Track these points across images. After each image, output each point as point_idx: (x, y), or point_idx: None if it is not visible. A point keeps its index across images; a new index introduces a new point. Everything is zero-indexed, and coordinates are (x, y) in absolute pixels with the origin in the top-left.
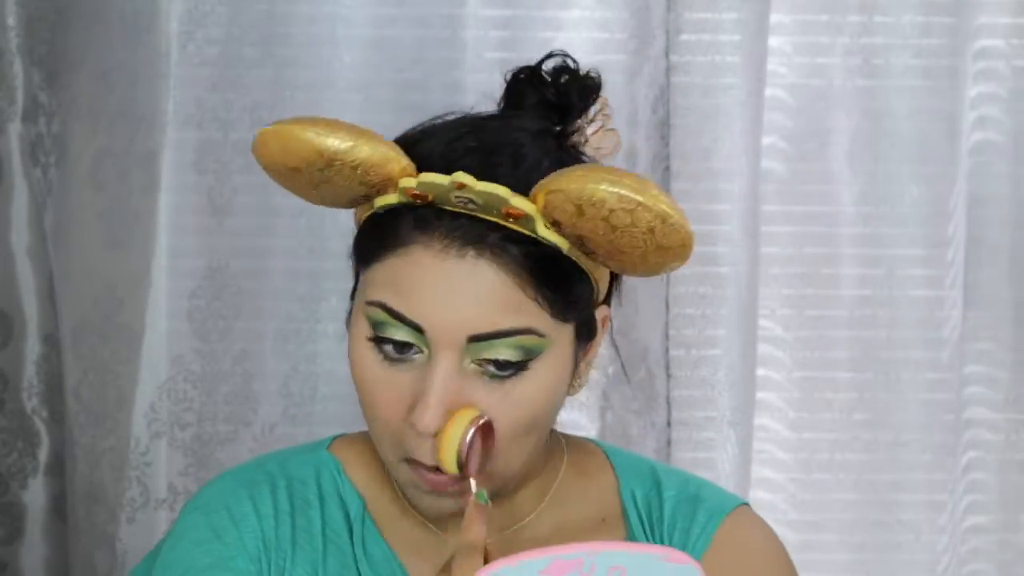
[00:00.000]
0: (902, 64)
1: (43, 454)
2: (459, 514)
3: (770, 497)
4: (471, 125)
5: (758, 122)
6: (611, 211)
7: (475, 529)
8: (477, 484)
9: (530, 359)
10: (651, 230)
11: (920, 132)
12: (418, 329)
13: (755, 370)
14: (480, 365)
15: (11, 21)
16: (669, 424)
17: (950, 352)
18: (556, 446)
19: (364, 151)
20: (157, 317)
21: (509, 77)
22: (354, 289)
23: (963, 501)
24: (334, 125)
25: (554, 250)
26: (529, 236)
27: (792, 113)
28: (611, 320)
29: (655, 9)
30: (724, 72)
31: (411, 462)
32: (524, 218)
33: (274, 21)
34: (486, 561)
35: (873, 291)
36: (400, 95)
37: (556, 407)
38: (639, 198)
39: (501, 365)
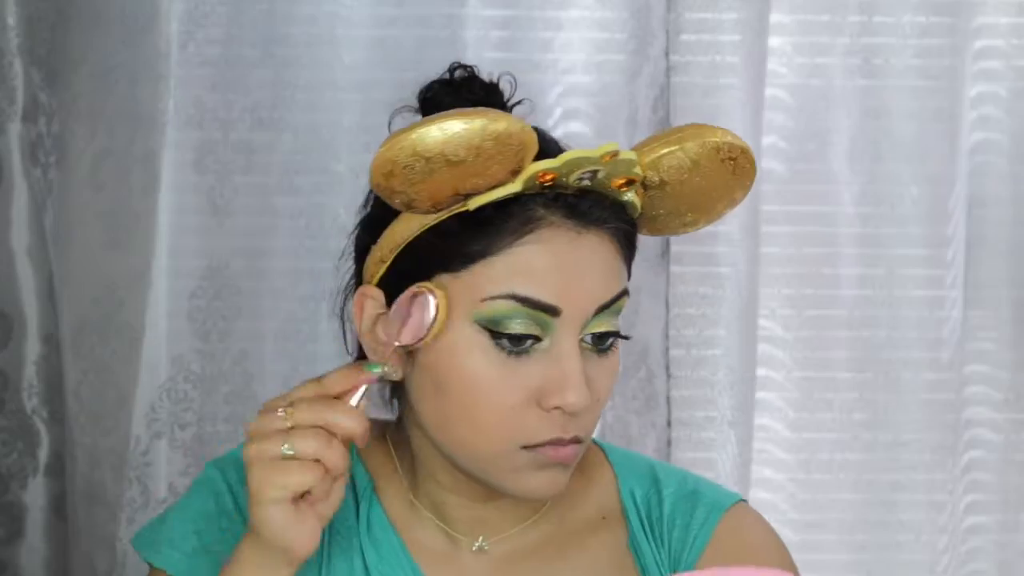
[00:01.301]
0: (902, 64)
1: (43, 454)
2: (467, 513)
3: (770, 497)
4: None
5: (758, 122)
6: (727, 156)
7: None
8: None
9: (618, 328)
10: (743, 170)
11: (920, 132)
12: (554, 312)
13: (755, 370)
14: (588, 342)
15: (11, 21)
16: (669, 424)
17: (950, 352)
18: None
19: (528, 132)
20: (157, 317)
21: (424, 94)
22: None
23: (963, 501)
24: (497, 112)
25: (634, 217)
26: (619, 205)
27: (792, 113)
28: None
29: (655, 9)
30: (724, 72)
31: (533, 448)
32: (632, 185)
33: (274, 21)
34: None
35: (873, 291)
36: (400, 95)
37: None
38: (741, 143)
39: (608, 336)
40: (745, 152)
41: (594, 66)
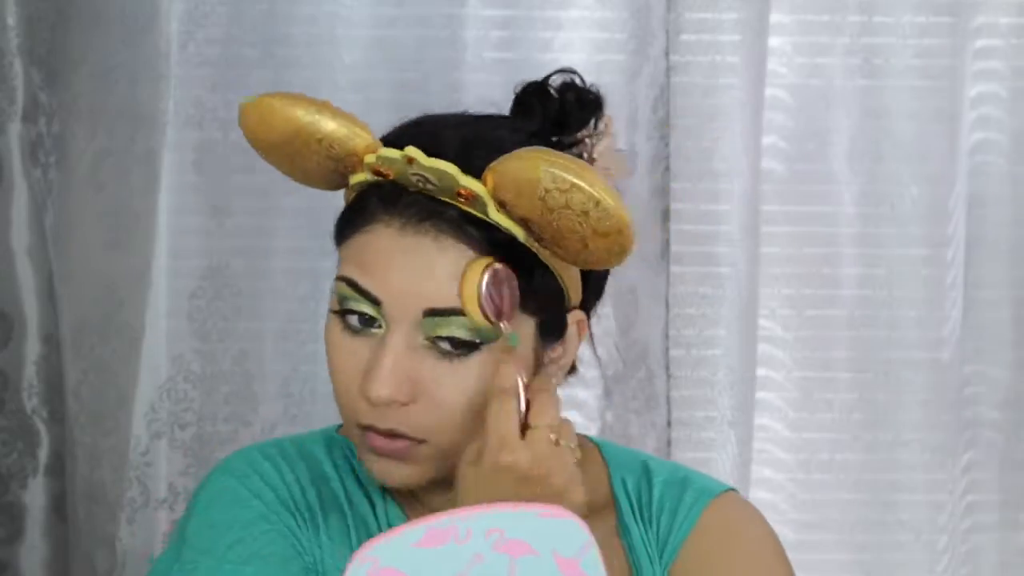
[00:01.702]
0: (902, 64)
1: (43, 454)
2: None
3: (770, 497)
4: (463, 119)
5: (758, 122)
6: (547, 191)
7: (506, 372)
8: (506, 327)
9: (484, 342)
10: (585, 213)
11: (920, 132)
12: (376, 302)
13: (755, 370)
14: (432, 343)
15: (11, 21)
16: (669, 424)
17: (950, 352)
18: None
19: (329, 125)
20: (157, 317)
21: (519, 90)
22: None
23: (963, 501)
24: (301, 99)
25: (510, 236)
26: (485, 221)
27: (792, 113)
28: (589, 327)
29: (655, 9)
30: (724, 72)
31: (364, 428)
32: (476, 200)
33: (274, 21)
34: (527, 404)
35: (873, 291)
36: (400, 95)
37: None
38: (571, 179)
39: (454, 343)
40: (599, 205)
41: (594, 66)
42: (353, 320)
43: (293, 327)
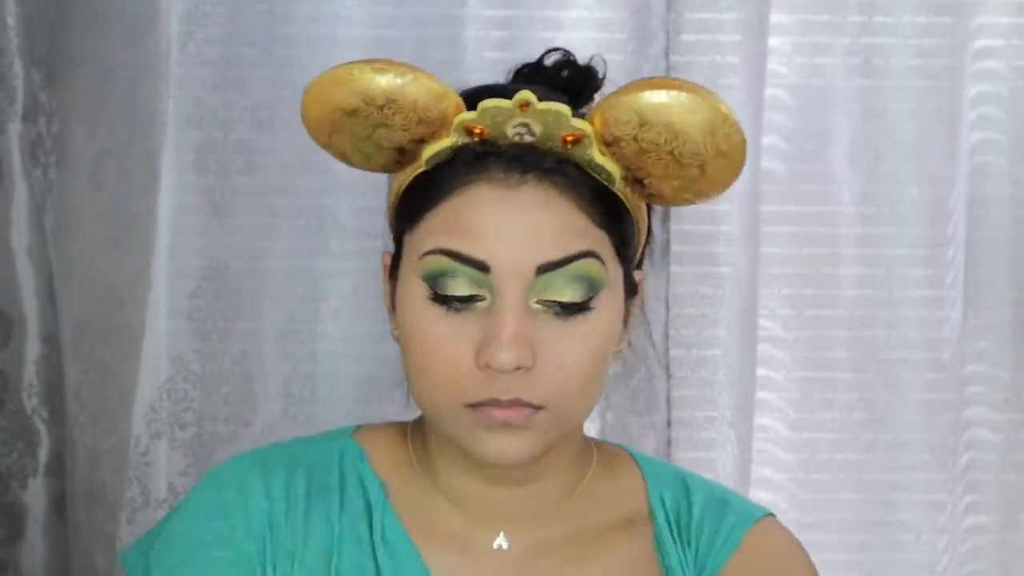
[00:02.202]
0: (902, 64)
1: (43, 454)
2: (486, 500)
3: (770, 497)
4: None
5: (758, 122)
6: (673, 115)
7: None
8: None
9: (592, 296)
10: (712, 132)
11: (920, 132)
12: (483, 268)
13: (755, 370)
14: (546, 306)
15: (11, 21)
16: (669, 424)
17: (950, 352)
18: (585, 444)
19: (424, 85)
20: (157, 317)
21: (512, 74)
22: (393, 266)
23: (963, 501)
24: (390, 62)
25: (609, 180)
26: (582, 168)
27: (792, 113)
28: (643, 288)
29: (655, 9)
30: (724, 72)
31: (476, 407)
32: (582, 143)
33: (274, 21)
34: None
35: (873, 291)
36: None
37: (610, 357)
38: (699, 97)
39: (567, 306)
40: (727, 120)
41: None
42: (455, 301)
43: (293, 327)
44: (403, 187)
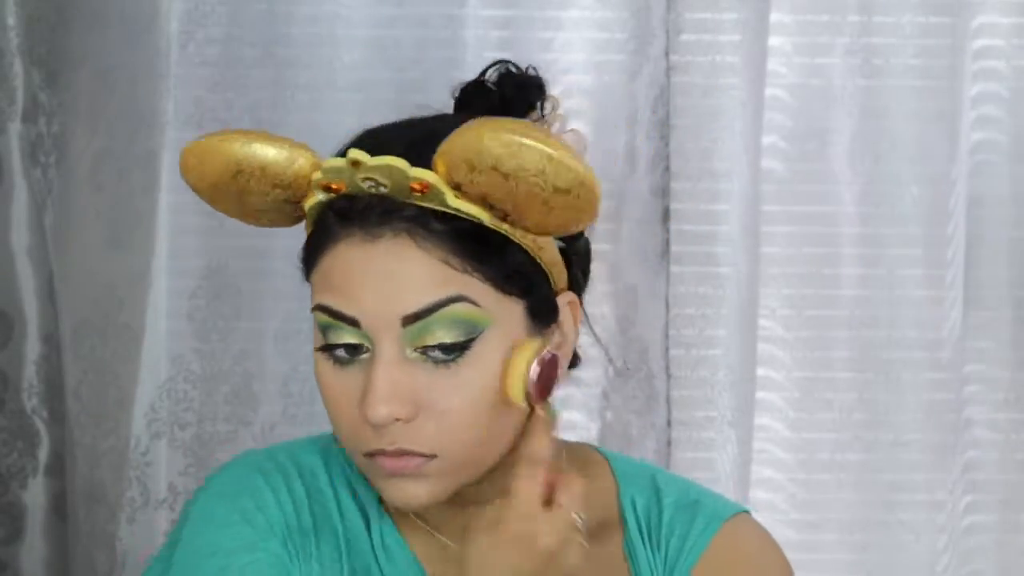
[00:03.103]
0: (902, 64)
1: (43, 454)
2: (454, 518)
3: (770, 497)
4: (407, 121)
5: (758, 122)
6: (497, 158)
7: (541, 443)
8: (542, 408)
9: (472, 338)
10: (541, 171)
11: (920, 132)
12: (354, 323)
13: (755, 370)
14: (423, 353)
15: (11, 21)
16: (669, 424)
17: (950, 352)
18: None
19: (268, 152)
20: (157, 317)
21: (456, 93)
22: None
23: (963, 501)
24: (235, 133)
25: (475, 222)
26: (446, 212)
27: (792, 113)
28: (583, 308)
29: (655, 9)
30: (724, 72)
31: (371, 455)
32: (432, 191)
33: (274, 21)
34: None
35: (873, 291)
36: (400, 95)
37: (501, 396)
38: (519, 139)
39: (445, 348)
40: (552, 159)
41: (594, 66)
42: (341, 353)
43: (293, 327)
44: (304, 243)
